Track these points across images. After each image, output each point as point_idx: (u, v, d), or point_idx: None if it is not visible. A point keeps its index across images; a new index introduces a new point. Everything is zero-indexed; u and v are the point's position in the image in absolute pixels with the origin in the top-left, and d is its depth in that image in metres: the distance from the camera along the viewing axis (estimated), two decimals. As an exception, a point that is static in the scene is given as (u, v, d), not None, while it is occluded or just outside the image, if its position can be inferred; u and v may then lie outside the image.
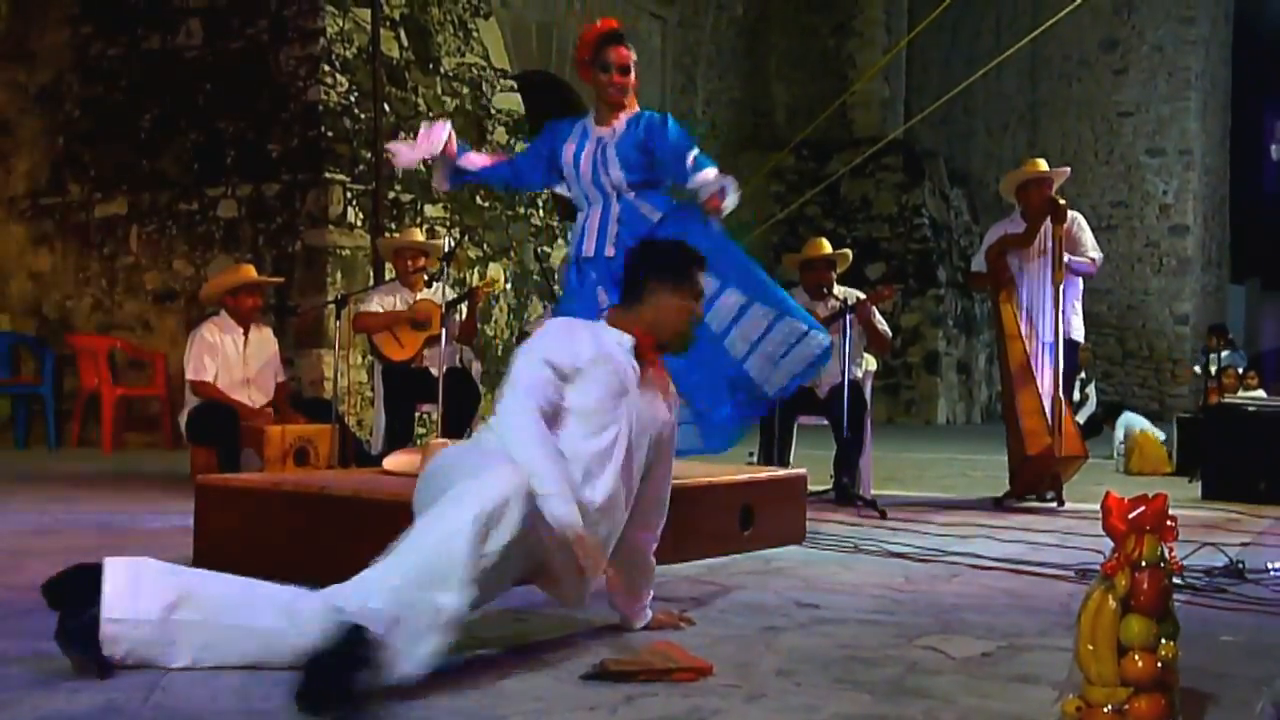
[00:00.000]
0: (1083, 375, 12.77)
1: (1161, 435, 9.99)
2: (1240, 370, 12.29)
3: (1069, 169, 7.41)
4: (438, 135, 4.65)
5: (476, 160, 4.83)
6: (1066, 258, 6.36)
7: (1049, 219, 6.36)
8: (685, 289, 2.99)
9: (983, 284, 6.81)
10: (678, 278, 2.99)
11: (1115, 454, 10.01)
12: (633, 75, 4.60)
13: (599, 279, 4.55)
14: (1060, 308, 6.32)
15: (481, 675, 2.54)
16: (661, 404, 3.03)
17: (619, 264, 4.10)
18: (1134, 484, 8.01)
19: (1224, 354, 12.66)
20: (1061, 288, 6.33)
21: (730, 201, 4.32)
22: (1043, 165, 6.75)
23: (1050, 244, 6.36)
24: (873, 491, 6.46)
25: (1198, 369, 15.23)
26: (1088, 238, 6.64)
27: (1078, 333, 6.74)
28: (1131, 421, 10.06)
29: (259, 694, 2.35)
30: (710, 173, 4.39)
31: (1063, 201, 6.43)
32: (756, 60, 19.64)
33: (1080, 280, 6.71)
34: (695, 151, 4.46)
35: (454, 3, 10.77)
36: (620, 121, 4.63)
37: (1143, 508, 2.17)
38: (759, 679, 2.55)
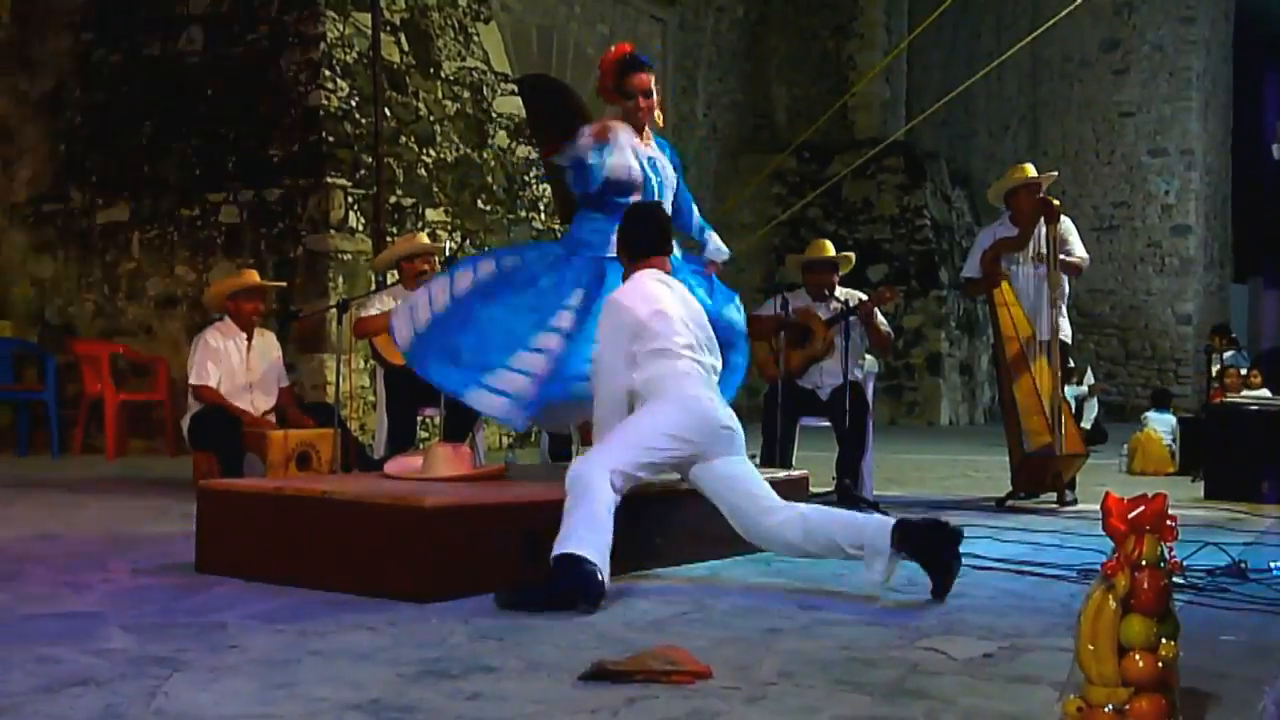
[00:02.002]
0: (1074, 367, 12.75)
1: (1173, 420, 9.99)
2: (1244, 370, 12.27)
3: (1056, 173, 7.44)
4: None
5: None
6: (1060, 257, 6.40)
7: (1042, 220, 6.39)
8: None
9: (979, 289, 6.83)
10: None
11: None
12: (655, 95, 4.73)
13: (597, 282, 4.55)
14: (1056, 307, 6.36)
15: (481, 678, 2.55)
16: None
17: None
18: (1136, 484, 8.01)
19: (1227, 354, 12.64)
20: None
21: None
22: (1030, 170, 6.79)
23: (1045, 245, 6.39)
24: (875, 493, 6.47)
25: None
26: (1075, 239, 6.70)
27: (1065, 334, 6.77)
28: (1152, 421, 10.02)
29: (262, 699, 2.35)
30: (717, 238, 5.02)
31: (1056, 202, 6.46)
32: (757, 62, 19.63)
33: (1066, 282, 6.75)
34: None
35: (454, 7, 10.78)
36: (651, 141, 4.78)
37: (1142, 508, 2.17)
38: (760, 680, 2.56)
